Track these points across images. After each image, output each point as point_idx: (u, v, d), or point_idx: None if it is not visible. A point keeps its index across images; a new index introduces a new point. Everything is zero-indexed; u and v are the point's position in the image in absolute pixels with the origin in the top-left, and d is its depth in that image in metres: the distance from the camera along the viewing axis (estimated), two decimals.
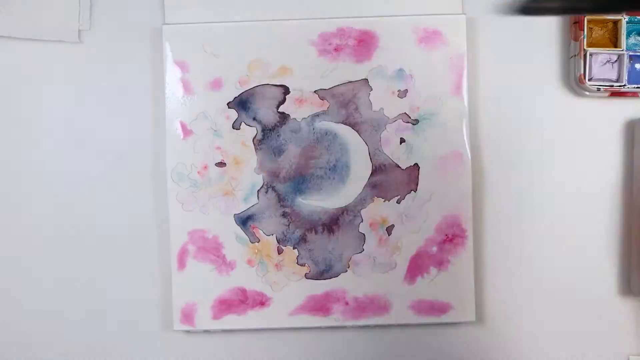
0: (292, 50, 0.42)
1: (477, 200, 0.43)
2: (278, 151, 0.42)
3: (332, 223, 0.42)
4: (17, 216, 0.44)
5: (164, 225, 0.43)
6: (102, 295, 0.44)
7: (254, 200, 0.42)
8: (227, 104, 0.42)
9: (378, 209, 0.42)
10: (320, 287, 0.42)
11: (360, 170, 0.42)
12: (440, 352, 0.43)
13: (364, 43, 0.42)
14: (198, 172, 0.42)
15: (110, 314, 0.44)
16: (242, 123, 0.42)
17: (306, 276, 0.42)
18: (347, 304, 0.42)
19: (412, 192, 0.42)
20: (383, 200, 0.42)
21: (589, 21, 0.41)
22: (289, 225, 0.42)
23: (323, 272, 0.42)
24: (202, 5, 0.43)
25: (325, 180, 0.42)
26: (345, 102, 0.42)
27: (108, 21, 0.44)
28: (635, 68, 0.42)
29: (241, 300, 0.42)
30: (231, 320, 0.42)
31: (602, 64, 0.42)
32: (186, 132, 0.42)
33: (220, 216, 0.42)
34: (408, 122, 0.42)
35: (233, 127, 0.42)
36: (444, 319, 0.42)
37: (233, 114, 0.42)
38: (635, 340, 0.43)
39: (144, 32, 0.43)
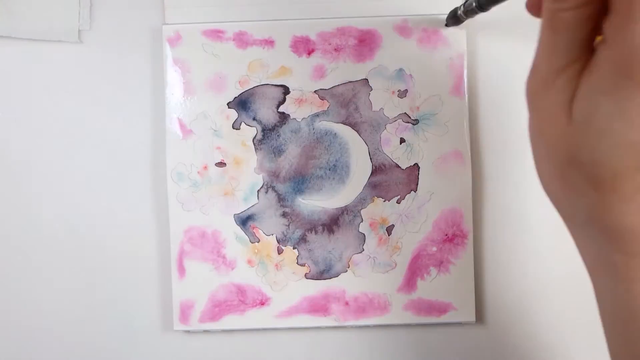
0: (292, 50, 0.42)
1: (477, 200, 0.43)
2: (278, 151, 0.42)
3: (332, 223, 0.42)
4: (16, 216, 0.44)
5: (163, 225, 0.43)
6: (102, 295, 0.44)
7: (253, 200, 0.42)
8: (227, 104, 0.42)
9: (378, 209, 0.42)
10: (320, 287, 0.42)
11: (360, 170, 0.42)
12: (440, 353, 0.43)
13: (364, 43, 0.42)
14: (198, 172, 0.42)
15: (110, 314, 0.44)
16: (242, 123, 0.42)
17: (306, 276, 0.42)
18: (347, 304, 0.42)
19: (412, 192, 0.42)
20: (383, 200, 0.42)
21: None
22: (289, 225, 0.42)
23: (323, 272, 0.42)
24: (202, 5, 0.43)
25: (325, 180, 0.42)
26: (345, 102, 0.42)
27: (108, 21, 0.44)
28: None
29: (241, 300, 0.42)
30: (231, 320, 0.42)
31: None
32: (186, 132, 0.42)
33: (220, 216, 0.42)
34: (408, 122, 0.42)
35: (233, 127, 0.42)
36: (444, 319, 0.42)
37: (233, 114, 0.42)
38: None
39: (144, 32, 0.43)
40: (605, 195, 0.22)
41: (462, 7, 0.39)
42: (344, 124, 0.42)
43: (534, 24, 0.43)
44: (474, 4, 0.37)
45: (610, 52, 0.21)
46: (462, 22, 0.41)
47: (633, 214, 0.22)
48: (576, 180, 0.22)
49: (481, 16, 0.43)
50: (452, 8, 0.42)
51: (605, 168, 0.21)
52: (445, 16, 0.42)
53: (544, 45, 0.23)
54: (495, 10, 0.43)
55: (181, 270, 0.42)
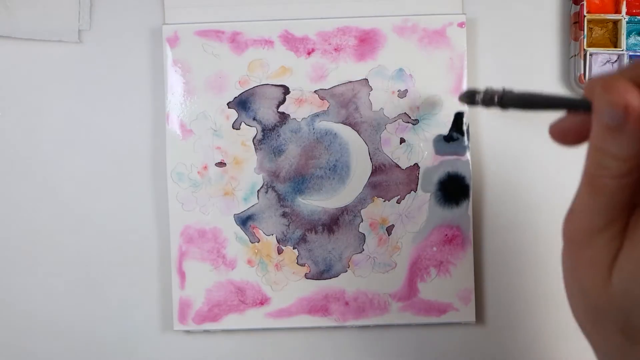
0: (292, 50, 0.42)
1: (477, 200, 0.43)
2: (278, 151, 0.42)
3: (332, 223, 0.42)
4: (16, 216, 0.44)
5: (163, 225, 0.43)
6: (102, 295, 0.44)
7: (254, 200, 0.42)
8: (227, 104, 0.42)
9: (378, 209, 0.42)
10: (320, 287, 0.42)
11: (360, 170, 0.42)
12: (440, 353, 0.43)
13: (364, 43, 0.42)
14: (198, 172, 0.42)
15: (110, 314, 0.44)
16: (242, 123, 0.42)
17: (306, 276, 0.42)
18: (347, 304, 0.42)
19: (412, 192, 0.42)
20: (383, 200, 0.42)
21: (589, 21, 0.41)
22: (289, 225, 0.42)
23: (323, 272, 0.42)
24: (202, 5, 0.43)
25: (325, 180, 0.42)
26: (345, 102, 0.42)
27: (108, 21, 0.44)
28: None
29: (241, 300, 0.42)
30: (231, 320, 0.42)
31: (602, 64, 0.42)
32: (186, 132, 0.42)
33: (220, 216, 0.42)
34: (408, 122, 0.42)
35: (233, 127, 0.42)
36: (443, 319, 0.42)
37: (233, 114, 0.42)
38: None
39: (144, 32, 0.44)
40: (634, 345, 0.22)
41: (481, 95, 0.34)
42: (344, 124, 0.42)
43: (535, 25, 0.44)
44: (496, 100, 0.33)
45: None
46: (476, 105, 0.37)
47: None
48: (607, 328, 0.23)
49: (481, 16, 0.43)
50: (451, 9, 0.42)
51: (637, 328, 0.22)
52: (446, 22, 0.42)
53: (582, 202, 0.23)
54: (495, 9, 0.43)
55: (181, 270, 0.42)
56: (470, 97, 0.35)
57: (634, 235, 0.21)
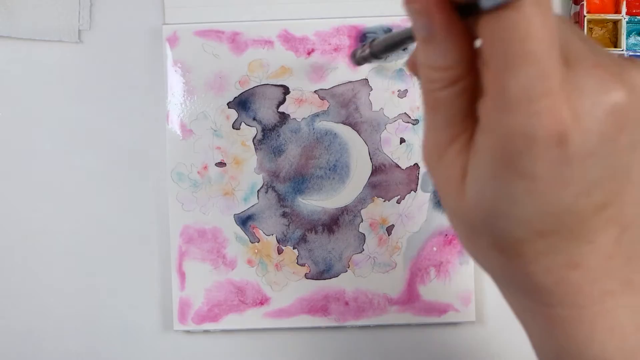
0: (291, 50, 0.42)
1: None
2: (278, 151, 0.42)
3: (332, 223, 0.42)
4: (16, 216, 0.44)
5: (163, 225, 0.43)
6: (102, 295, 0.44)
7: (254, 200, 0.42)
8: (227, 104, 0.42)
9: (378, 209, 0.42)
10: (320, 287, 0.42)
11: (360, 170, 0.42)
12: (440, 353, 0.43)
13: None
14: (198, 172, 0.42)
15: (110, 314, 0.44)
16: (242, 123, 0.42)
17: (306, 276, 0.42)
18: (346, 304, 0.42)
19: (412, 192, 0.42)
20: (383, 200, 0.42)
21: (589, 21, 0.41)
22: (289, 225, 0.42)
23: (323, 272, 0.42)
24: (202, 6, 0.43)
25: (325, 180, 0.42)
26: (345, 102, 0.42)
27: (108, 21, 0.44)
28: None
29: (241, 300, 0.42)
30: (231, 321, 0.42)
31: None
32: (186, 132, 0.42)
33: (220, 216, 0.42)
34: (408, 122, 0.42)
35: (233, 127, 0.42)
36: (444, 319, 0.42)
37: (233, 114, 0.42)
38: None
39: (144, 32, 0.43)
40: (511, 259, 0.22)
41: (359, 50, 0.37)
42: (344, 124, 0.42)
43: None
44: (367, 52, 0.35)
45: (485, 138, 0.20)
46: (362, 62, 0.38)
47: (540, 274, 0.22)
48: (482, 245, 0.23)
49: None
50: None
51: (504, 239, 0.22)
52: None
53: (426, 122, 0.23)
54: None
55: (181, 270, 0.42)
56: (353, 56, 0.38)
57: (475, 147, 0.21)
